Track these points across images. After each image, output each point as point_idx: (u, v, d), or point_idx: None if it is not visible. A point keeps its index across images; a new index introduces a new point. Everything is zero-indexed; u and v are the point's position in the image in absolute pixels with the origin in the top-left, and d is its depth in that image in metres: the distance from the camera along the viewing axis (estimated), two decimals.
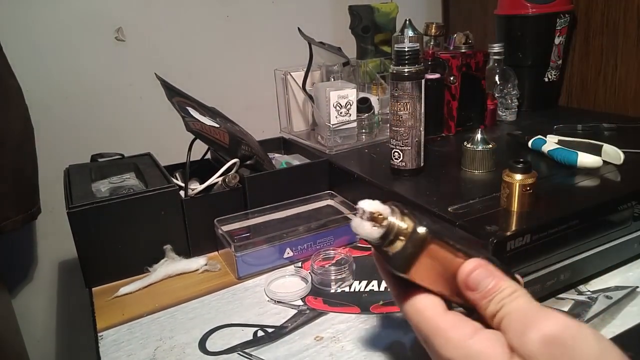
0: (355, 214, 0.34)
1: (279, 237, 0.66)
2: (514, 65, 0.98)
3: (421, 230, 0.32)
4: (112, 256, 0.66)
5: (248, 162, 0.76)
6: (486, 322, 0.33)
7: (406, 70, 0.65)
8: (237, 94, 1.13)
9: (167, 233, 0.69)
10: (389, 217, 0.33)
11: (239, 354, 0.51)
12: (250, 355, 0.51)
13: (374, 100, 0.91)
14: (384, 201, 0.34)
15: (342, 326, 0.54)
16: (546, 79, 1.03)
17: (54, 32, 0.95)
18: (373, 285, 0.62)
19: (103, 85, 1.01)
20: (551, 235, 0.52)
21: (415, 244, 0.33)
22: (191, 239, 0.70)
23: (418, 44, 0.66)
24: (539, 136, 0.75)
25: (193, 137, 0.72)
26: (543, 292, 0.54)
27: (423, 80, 0.67)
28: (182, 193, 0.70)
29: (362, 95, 0.91)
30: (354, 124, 0.87)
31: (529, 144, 0.75)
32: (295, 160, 0.88)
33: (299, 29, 0.93)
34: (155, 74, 0.76)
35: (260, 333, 0.54)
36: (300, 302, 0.60)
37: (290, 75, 0.93)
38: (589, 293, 0.56)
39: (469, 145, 0.69)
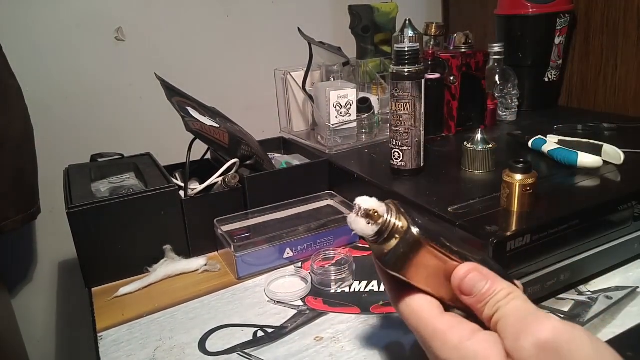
0: (352, 210, 0.34)
1: (279, 237, 0.66)
2: (514, 65, 0.97)
3: (415, 230, 0.32)
4: (111, 256, 0.66)
5: (248, 162, 0.76)
6: (485, 324, 0.33)
7: (406, 70, 0.65)
8: (237, 94, 1.13)
9: (167, 233, 0.68)
10: (384, 215, 0.33)
11: (238, 354, 0.51)
12: (250, 355, 0.51)
13: (374, 100, 0.91)
14: (382, 199, 0.34)
15: (342, 326, 0.54)
16: (546, 79, 1.03)
17: (54, 32, 0.95)
18: (373, 286, 0.62)
19: (103, 85, 1.01)
20: (551, 235, 0.52)
21: (407, 244, 0.33)
22: (191, 239, 0.70)
23: (418, 44, 0.66)
24: (539, 136, 0.75)
25: (193, 137, 0.72)
26: (543, 293, 0.54)
27: (423, 80, 0.67)
28: (182, 193, 0.70)
29: (362, 95, 0.91)
30: (354, 124, 0.87)
31: (529, 144, 0.75)
32: (295, 160, 0.87)
33: (299, 29, 0.93)
34: (155, 74, 0.76)
35: (260, 333, 0.54)
36: (300, 303, 0.60)
37: (290, 75, 0.93)
38: (589, 293, 0.56)
39: (469, 145, 0.69)
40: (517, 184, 0.53)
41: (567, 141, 0.73)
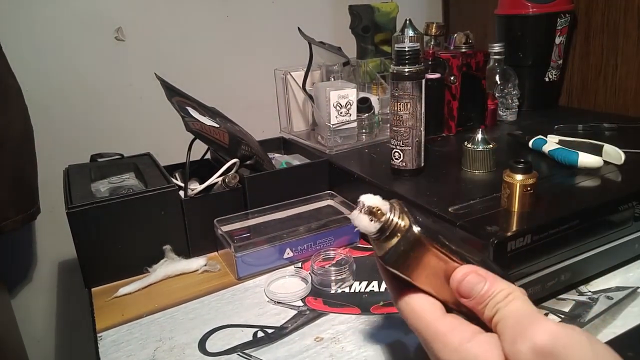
0: (356, 207, 0.35)
1: (279, 238, 0.66)
2: (514, 65, 0.97)
3: (416, 229, 0.33)
4: (111, 256, 0.66)
5: (248, 162, 0.76)
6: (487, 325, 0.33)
7: (406, 70, 0.65)
8: (237, 94, 1.13)
9: (167, 233, 0.68)
10: (387, 213, 0.33)
11: (238, 354, 0.51)
12: (250, 356, 0.51)
13: (374, 100, 0.91)
14: (386, 198, 0.35)
15: (342, 327, 0.54)
16: (547, 79, 1.03)
17: (54, 32, 0.95)
18: (373, 286, 0.62)
19: (103, 85, 1.01)
20: (552, 235, 0.52)
21: (408, 242, 0.33)
22: (191, 239, 0.70)
23: (418, 44, 0.66)
24: (540, 136, 0.75)
25: (193, 137, 0.72)
26: (544, 293, 0.54)
27: (423, 80, 0.67)
28: (181, 193, 0.70)
29: (362, 95, 0.91)
30: (354, 124, 0.87)
31: (530, 144, 0.75)
32: (295, 160, 0.87)
33: (299, 29, 0.93)
34: (155, 73, 0.76)
35: (260, 334, 0.54)
36: (300, 303, 0.60)
37: (290, 75, 0.93)
38: (589, 294, 0.56)
39: (469, 145, 0.69)
40: (518, 184, 0.53)
41: (567, 141, 0.73)
